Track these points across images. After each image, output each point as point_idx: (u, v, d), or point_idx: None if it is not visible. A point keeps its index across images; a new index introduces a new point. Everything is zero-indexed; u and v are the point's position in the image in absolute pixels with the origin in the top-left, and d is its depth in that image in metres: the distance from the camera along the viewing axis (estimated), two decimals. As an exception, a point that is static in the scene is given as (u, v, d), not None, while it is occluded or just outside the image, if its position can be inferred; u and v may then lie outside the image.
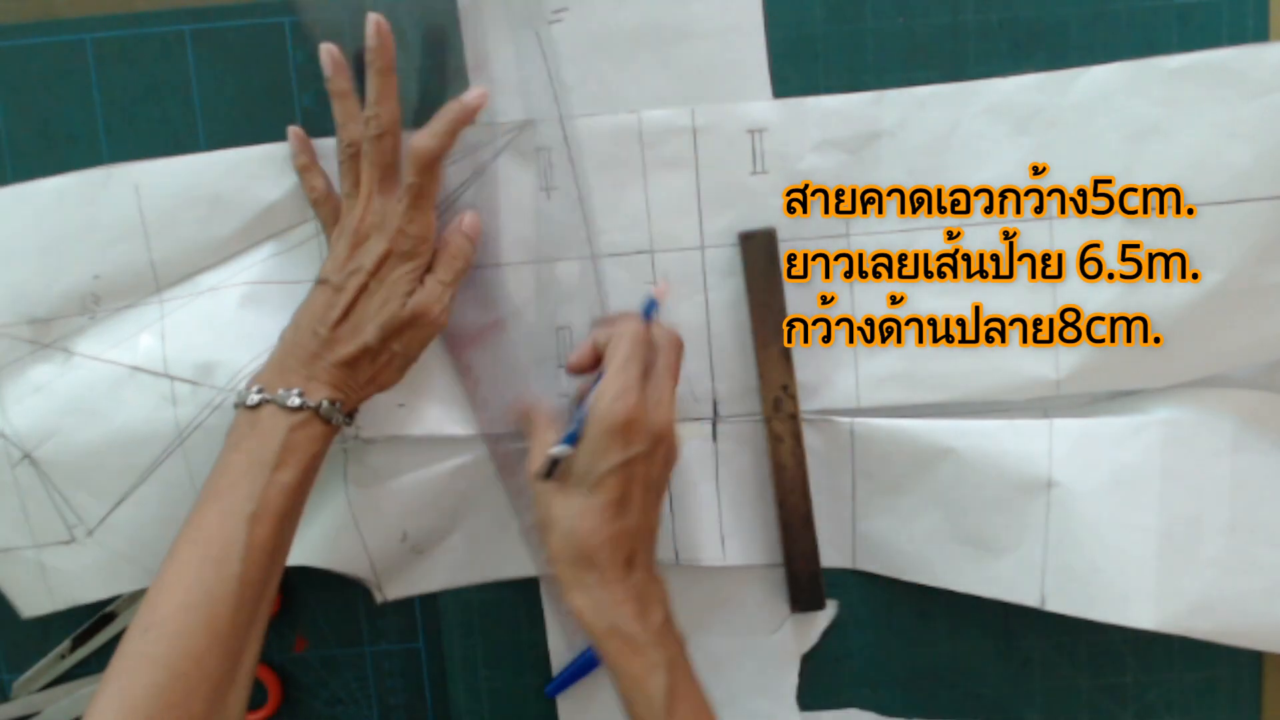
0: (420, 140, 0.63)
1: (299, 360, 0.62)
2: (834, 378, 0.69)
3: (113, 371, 0.67)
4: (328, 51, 0.64)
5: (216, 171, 0.67)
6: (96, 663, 0.74)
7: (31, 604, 0.70)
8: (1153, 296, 0.64)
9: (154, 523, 0.68)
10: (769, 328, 0.68)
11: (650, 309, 0.65)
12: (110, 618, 0.73)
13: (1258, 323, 0.64)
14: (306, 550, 0.70)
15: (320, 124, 0.68)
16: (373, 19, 0.63)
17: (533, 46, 0.67)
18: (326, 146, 0.67)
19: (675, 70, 0.66)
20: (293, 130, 0.67)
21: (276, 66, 0.68)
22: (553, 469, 0.62)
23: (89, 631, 0.73)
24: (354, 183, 0.64)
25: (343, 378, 0.63)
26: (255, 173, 0.67)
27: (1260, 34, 0.66)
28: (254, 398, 0.61)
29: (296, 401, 0.61)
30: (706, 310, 0.69)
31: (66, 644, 0.73)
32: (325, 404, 0.61)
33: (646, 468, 0.61)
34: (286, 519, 0.60)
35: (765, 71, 0.66)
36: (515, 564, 0.73)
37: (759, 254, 0.68)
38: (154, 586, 0.58)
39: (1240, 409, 0.66)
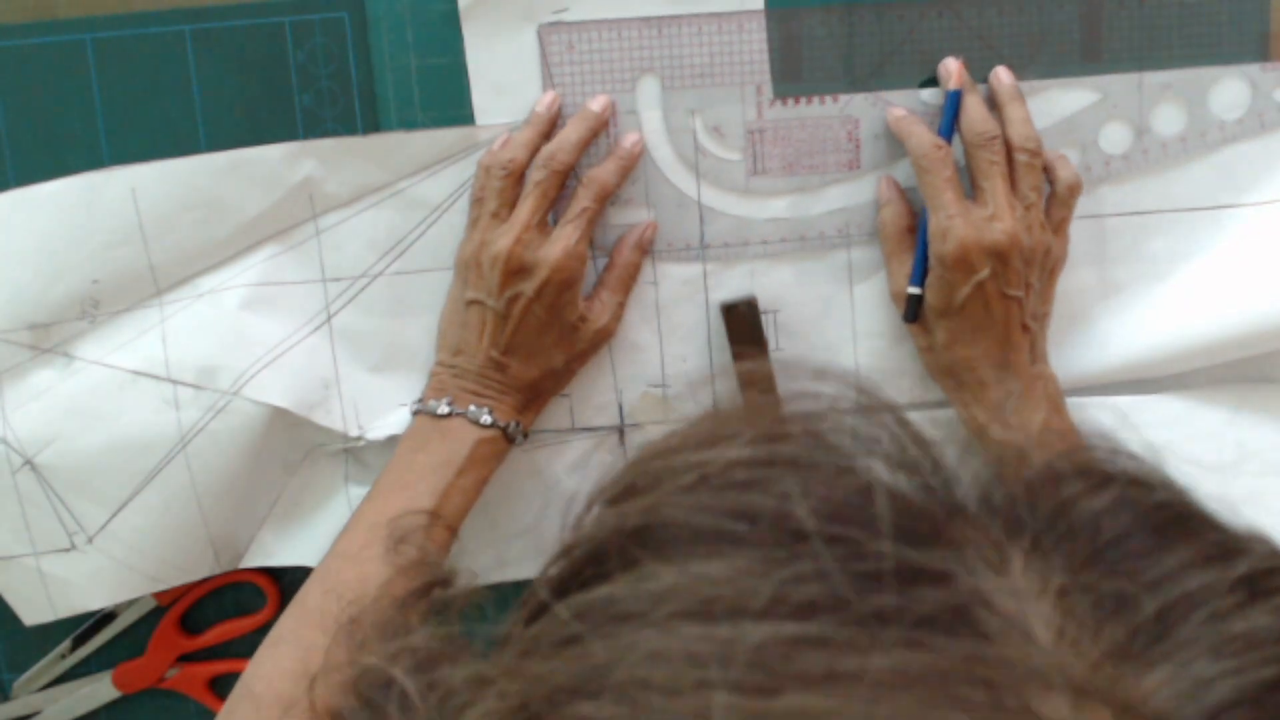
0: (602, 173, 0.66)
1: (475, 380, 0.66)
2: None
3: (114, 376, 0.66)
4: (555, 95, 0.66)
5: (214, 173, 0.67)
6: (97, 662, 0.74)
7: (33, 612, 0.70)
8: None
9: (156, 529, 0.68)
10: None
11: (953, 105, 0.65)
12: (110, 618, 0.73)
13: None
14: (306, 550, 0.71)
15: (319, 124, 0.68)
16: (604, 96, 0.66)
17: (532, 46, 0.67)
18: (325, 147, 0.67)
19: (673, 71, 0.66)
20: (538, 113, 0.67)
21: (276, 66, 0.67)
22: (915, 310, 0.66)
23: (89, 631, 0.73)
24: (504, 205, 0.65)
25: (526, 399, 0.67)
26: (254, 173, 0.67)
27: (1260, 42, 0.66)
28: (444, 408, 0.65)
29: (488, 419, 0.65)
30: (706, 310, 0.69)
31: (66, 644, 0.73)
32: (513, 425, 0.66)
33: (998, 283, 0.63)
34: (459, 519, 0.64)
35: (766, 71, 0.66)
36: (514, 564, 0.73)
37: (742, 325, 0.68)
38: (335, 554, 0.63)
39: (1237, 401, 0.68)
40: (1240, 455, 0.67)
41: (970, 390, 0.65)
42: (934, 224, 0.63)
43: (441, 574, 0.35)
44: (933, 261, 0.63)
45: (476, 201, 0.66)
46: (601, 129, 0.66)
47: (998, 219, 0.62)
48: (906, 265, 0.66)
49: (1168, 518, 0.29)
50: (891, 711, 0.24)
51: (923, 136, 0.64)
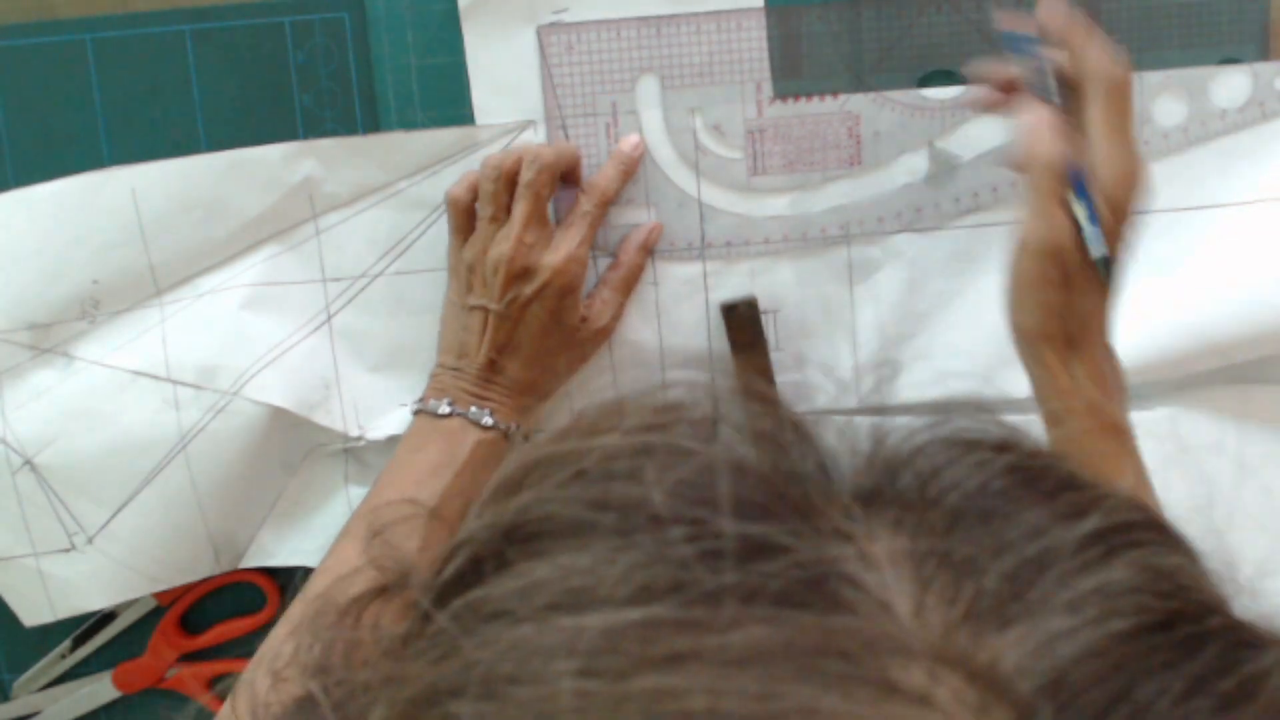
0: (603, 180, 0.66)
1: (476, 381, 0.66)
2: (832, 376, 0.69)
3: (114, 376, 0.66)
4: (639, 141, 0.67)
5: (214, 173, 0.67)
6: (97, 662, 0.74)
7: (32, 613, 0.70)
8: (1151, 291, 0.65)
9: (155, 530, 0.68)
10: None
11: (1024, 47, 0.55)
12: (110, 618, 0.73)
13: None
14: (306, 550, 0.71)
15: (319, 124, 0.68)
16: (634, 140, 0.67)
17: (532, 46, 0.67)
18: (325, 147, 0.67)
19: (673, 70, 0.67)
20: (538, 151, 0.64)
21: (276, 66, 0.67)
22: (1107, 270, 0.54)
23: (89, 631, 0.73)
24: (502, 209, 0.64)
25: (527, 401, 0.67)
26: (254, 174, 0.67)
27: (1260, 34, 0.66)
28: (445, 408, 0.65)
29: (489, 421, 0.65)
30: (706, 310, 0.69)
31: (66, 644, 0.73)
32: (513, 428, 0.66)
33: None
34: (458, 520, 0.62)
35: (766, 69, 0.66)
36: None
37: (742, 325, 0.68)
38: (334, 557, 0.63)
39: (1238, 403, 0.67)
40: (1231, 473, 0.67)
41: (1082, 351, 0.55)
42: (1111, 162, 0.53)
43: (395, 575, 0.35)
44: (1109, 206, 0.53)
45: (453, 207, 0.66)
46: (578, 165, 0.67)
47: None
48: (1059, 215, 0.54)
49: (1025, 479, 0.29)
50: (744, 686, 0.24)
51: (1101, 55, 0.53)
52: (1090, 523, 0.28)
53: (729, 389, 0.32)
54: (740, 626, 0.25)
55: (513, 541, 0.29)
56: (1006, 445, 0.30)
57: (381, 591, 0.35)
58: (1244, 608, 0.30)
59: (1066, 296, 0.54)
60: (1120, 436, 0.56)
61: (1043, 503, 0.29)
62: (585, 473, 0.30)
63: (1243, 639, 0.27)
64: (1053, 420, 0.57)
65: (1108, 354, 0.56)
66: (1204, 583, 0.29)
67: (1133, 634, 0.26)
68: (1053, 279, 0.54)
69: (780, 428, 0.30)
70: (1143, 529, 0.29)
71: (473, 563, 0.30)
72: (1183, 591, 0.28)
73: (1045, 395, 0.56)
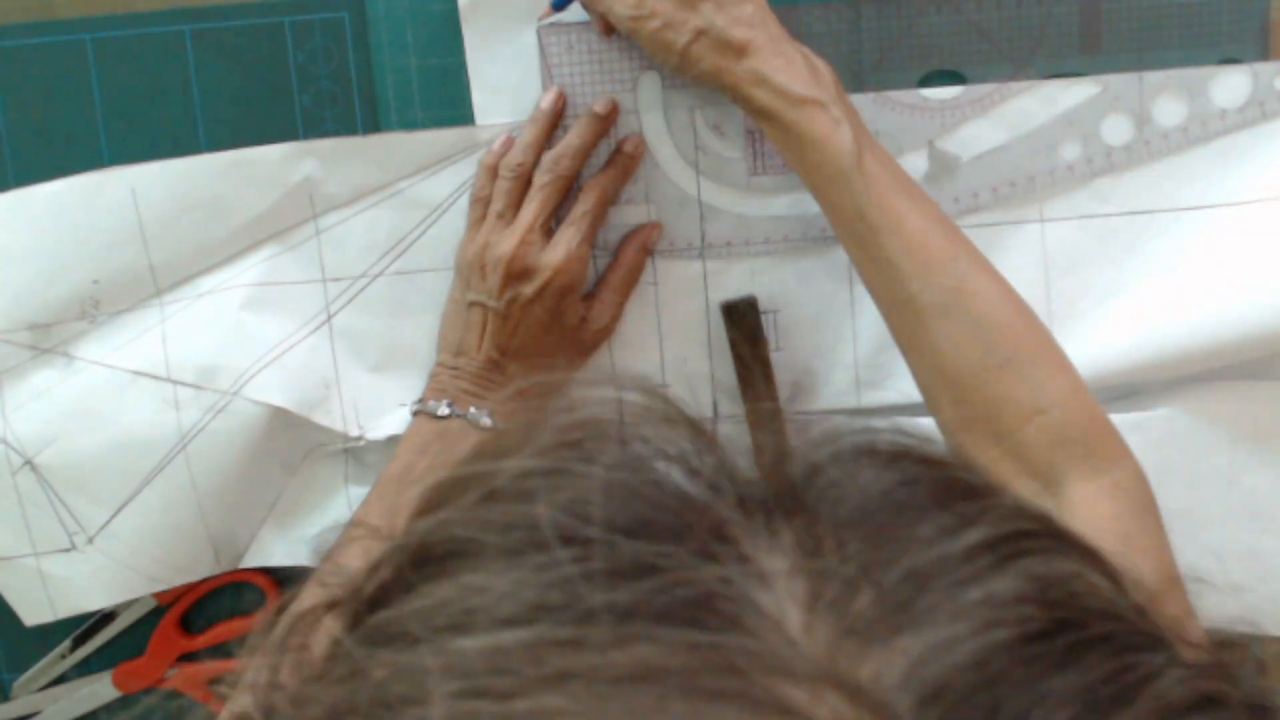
0: (604, 178, 0.66)
1: (476, 381, 0.65)
2: (832, 376, 0.69)
3: (114, 376, 0.66)
4: (559, 92, 0.66)
5: (214, 173, 0.67)
6: (97, 662, 0.74)
7: (33, 613, 0.70)
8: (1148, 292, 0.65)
9: (156, 529, 0.68)
10: (758, 395, 0.68)
11: None
12: (110, 618, 0.73)
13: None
14: (306, 550, 0.70)
15: (319, 124, 0.68)
16: (608, 98, 0.66)
17: (531, 46, 0.67)
18: (325, 147, 0.67)
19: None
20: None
21: (276, 66, 0.68)
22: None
23: (89, 631, 0.73)
24: (511, 206, 0.64)
25: (525, 403, 0.65)
26: (254, 174, 0.67)
27: (1260, 34, 0.66)
28: (444, 410, 0.65)
29: (488, 422, 0.65)
30: (707, 310, 0.69)
31: (66, 644, 0.73)
32: None
33: None
34: None
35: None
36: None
37: (742, 325, 0.68)
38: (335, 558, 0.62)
39: (1237, 403, 0.67)
40: (1230, 474, 0.67)
41: (757, 56, 0.59)
42: None
43: (343, 590, 0.35)
44: None
45: (478, 201, 0.66)
46: (606, 131, 0.66)
47: None
48: None
49: (920, 490, 0.29)
50: (626, 705, 0.24)
51: None
52: (978, 532, 0.28)
53: (641, 406, 0.32)
54: (623, 645, 0.25)
55: (420, 564, 0.29)
56: (903, 456, 0.30)
57: (330, 606, 0.35)
58: (1212, 607, 0.29)
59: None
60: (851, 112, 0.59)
61: (934, 513, 0.28)
62: (495, 494, 0.30)
63: (1133, 643, 0.27)
64: (766, 116, 0.59)
65: (795, 57, 0.59)
66: (1099, 589, 0.28)
67: (1014, 644, 0.26)
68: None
69: (691, 443, 0.30)
70: (1035, 537, 0.28)
71: (383, 585, 0.30)
72: (1072, 599, 0.27)
73: (747, 91, 0.59)
